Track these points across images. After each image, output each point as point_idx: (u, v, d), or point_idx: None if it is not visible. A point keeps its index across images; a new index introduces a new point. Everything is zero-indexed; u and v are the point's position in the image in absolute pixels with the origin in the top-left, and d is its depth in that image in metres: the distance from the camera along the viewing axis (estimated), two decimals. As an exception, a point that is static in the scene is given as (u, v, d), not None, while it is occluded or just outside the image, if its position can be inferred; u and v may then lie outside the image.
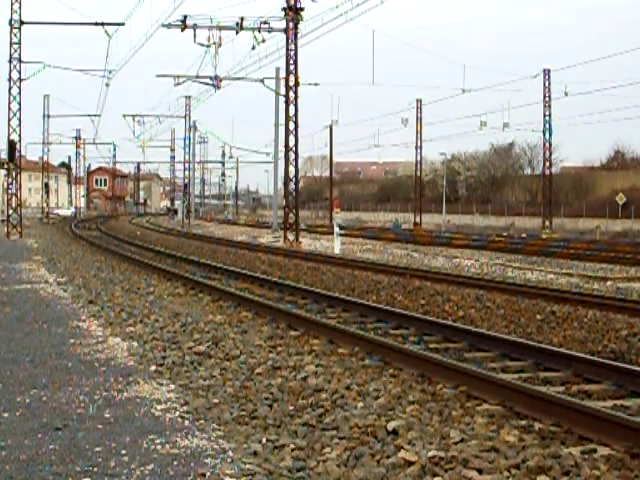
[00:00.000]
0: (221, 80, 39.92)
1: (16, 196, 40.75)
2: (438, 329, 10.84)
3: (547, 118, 57.79)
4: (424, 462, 5.34)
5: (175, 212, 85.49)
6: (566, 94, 52.79)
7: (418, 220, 69.16)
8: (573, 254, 28.70)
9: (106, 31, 37.41)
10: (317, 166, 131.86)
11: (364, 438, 5.93)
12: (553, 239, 44.72)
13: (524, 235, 50.18)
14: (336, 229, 33.47)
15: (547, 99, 57.14)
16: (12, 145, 39.70)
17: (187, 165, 78.51)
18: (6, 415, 6.64)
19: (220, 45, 35.67)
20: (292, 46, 35.92)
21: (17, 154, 40.34)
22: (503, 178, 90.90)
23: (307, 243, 37.38)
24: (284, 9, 35.58)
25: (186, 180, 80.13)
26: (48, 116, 74.20)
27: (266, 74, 41.96)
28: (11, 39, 38.54)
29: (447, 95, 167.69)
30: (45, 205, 71.61)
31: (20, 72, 39.06)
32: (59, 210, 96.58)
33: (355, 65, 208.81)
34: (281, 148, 39.74)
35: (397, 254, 29.77)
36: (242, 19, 35.16)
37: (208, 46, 35.63)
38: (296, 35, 35.80)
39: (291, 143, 36.68)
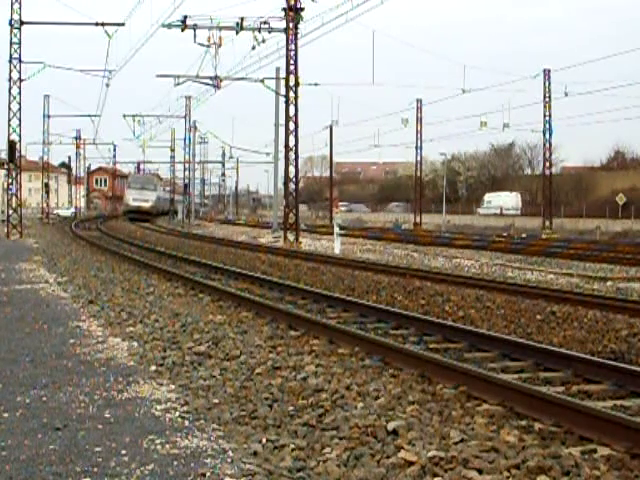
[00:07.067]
0: (221, 80, 39.92)
1: (16, 196, 40.71)
2: (438, 329, 10.84)
3: (547, 118, 57.77)
4: (424, 462, 5.34)
5: (175, 212, 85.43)
6: (566, 94, 52.84)
7: (418, 220, 69.15)
8: (573, 254, 28.67)
9: (106, 31, 37.44)
10: (317, 166, 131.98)
11: (364, 438, 5.93)
12: (553, 239, 44.71)
13: (524, 235, 50.16)
14: (336, 229, 33.43)
15: (547, 99, 57.12)
16: (12, 145, 39.68)
17: (187, 165, 78.52)
18: (6, 415, 6.64)
19: (220, 45, 35.72)
20: (292, 46, 35.93)
21: (17, 154, 40.32)
22: (503, 178, 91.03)
23: (307, 243, 37.36)
24: (284, 9, 35.60)
25: (186, 180, 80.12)
26: (48, 116, 74.10)
27: (266, 74, 41.98)
28: (11, 39, 38.53)
29: (447, 95, 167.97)
30: (45, 205, 71.51)
31: (20, 72, 39.05)
32: (59, 210, 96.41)
33: (355, 65, 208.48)
34: (281, 148, 39.73)
35: (397, 254, 29.75)
36: (242, 19, 35.20)
37: (208, 46, 35.69)
38: (296, 35, 35.82)
39: (291, 143, 36.67)
